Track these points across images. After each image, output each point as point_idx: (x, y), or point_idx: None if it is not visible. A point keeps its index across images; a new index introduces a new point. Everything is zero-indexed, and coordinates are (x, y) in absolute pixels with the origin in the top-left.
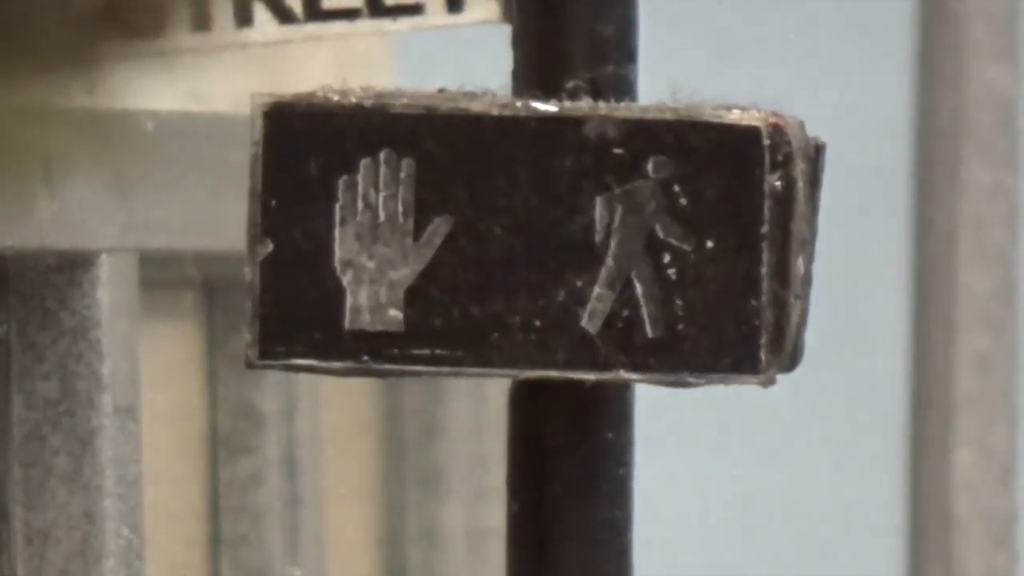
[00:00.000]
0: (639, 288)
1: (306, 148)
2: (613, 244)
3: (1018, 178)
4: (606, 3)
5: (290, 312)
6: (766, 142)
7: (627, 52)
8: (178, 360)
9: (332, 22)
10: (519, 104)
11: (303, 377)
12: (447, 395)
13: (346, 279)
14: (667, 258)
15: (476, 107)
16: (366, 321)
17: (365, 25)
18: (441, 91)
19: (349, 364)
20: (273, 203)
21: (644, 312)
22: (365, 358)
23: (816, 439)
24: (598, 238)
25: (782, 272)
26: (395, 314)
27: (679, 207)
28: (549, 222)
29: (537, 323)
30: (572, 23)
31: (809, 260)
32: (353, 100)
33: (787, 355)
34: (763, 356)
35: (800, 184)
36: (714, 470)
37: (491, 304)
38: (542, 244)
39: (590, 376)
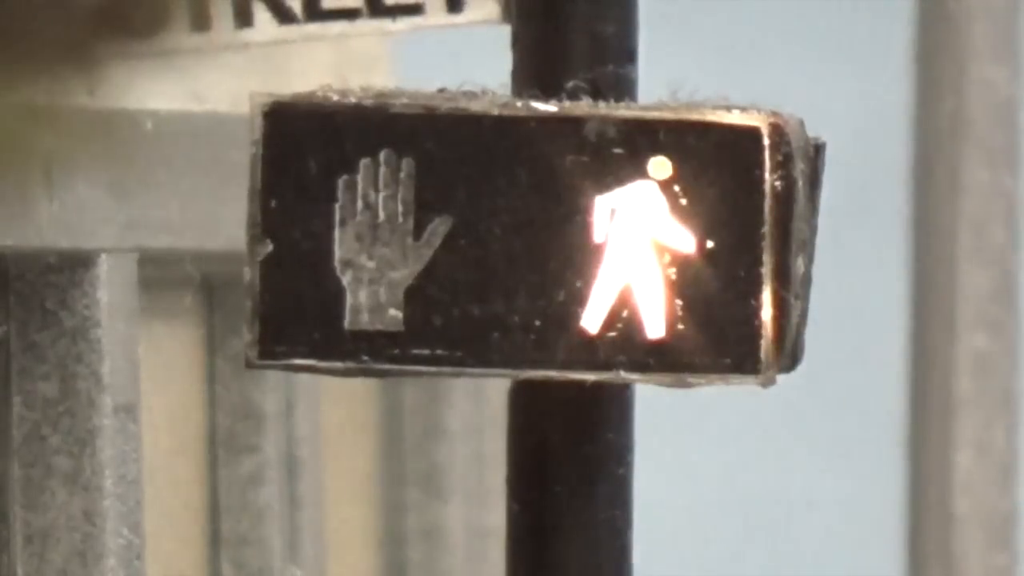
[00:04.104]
0: (639, 288)
1: (306, 148)
2: (613, 244)
3: (1018, 178)
4: (606, 3)
5: (290, 312)
6: (766, 142)
7: (627, 52)
8: (178, 360)
9: (332, 22)
10: (519, 104)
11: (303, 377)
12: (447, 395)
13: (346, 279)
14: (667, 258)
15: (476, 107)
16: (366, 321)
17: (365, 25)
18: (441, 91)
19: (349, 364)
20: (273, 203)
21: (644, 312)
22: (365, 358)
23: (816, 439)
24: (598, 238)
25: (782, 272)
26: (395, 314)
27: (679, 207)
28: (549, 222)
29: (537, 323)
30: (572, 23)
31: (809, 260)
32: (353, 100)
33: (787, 355)
34: (763, 356)
35: (800, 184)
36: (714, 470)
37: (491, 304)
38: (542, 244)
39: (590, 376)
